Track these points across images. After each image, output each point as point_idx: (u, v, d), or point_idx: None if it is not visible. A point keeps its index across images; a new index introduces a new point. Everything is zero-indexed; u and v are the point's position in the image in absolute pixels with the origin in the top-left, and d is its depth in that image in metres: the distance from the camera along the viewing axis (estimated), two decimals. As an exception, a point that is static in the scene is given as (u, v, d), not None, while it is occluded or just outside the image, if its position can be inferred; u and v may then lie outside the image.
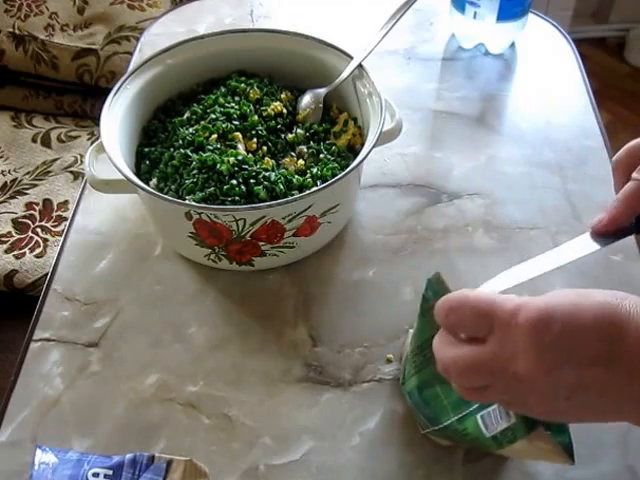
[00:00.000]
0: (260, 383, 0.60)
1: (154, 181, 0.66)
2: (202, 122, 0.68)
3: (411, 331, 0.62)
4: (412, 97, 0.88)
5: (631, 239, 0.68)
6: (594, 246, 0.47)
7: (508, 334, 0.37)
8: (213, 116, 0.69)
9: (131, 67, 0.74)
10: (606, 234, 0.47)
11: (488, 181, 0.78)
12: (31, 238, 1.10)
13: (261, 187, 0.62)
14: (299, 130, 0.71)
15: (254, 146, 0.68)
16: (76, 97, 1.35)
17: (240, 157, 0.64)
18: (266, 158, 0.67)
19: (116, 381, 0.61)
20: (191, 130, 0.68)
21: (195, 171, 0.64)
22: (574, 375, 0.36)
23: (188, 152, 0.65)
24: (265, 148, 0.68)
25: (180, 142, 0.67)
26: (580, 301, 0.37)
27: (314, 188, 0.62)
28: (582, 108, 0.87)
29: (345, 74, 0.71)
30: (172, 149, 0.67)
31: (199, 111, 0.70)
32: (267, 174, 0.63)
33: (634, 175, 0.47)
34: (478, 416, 0.47)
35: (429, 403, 0.51)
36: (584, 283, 0.68)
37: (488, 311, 0.38)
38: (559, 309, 0.37)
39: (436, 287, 0.48)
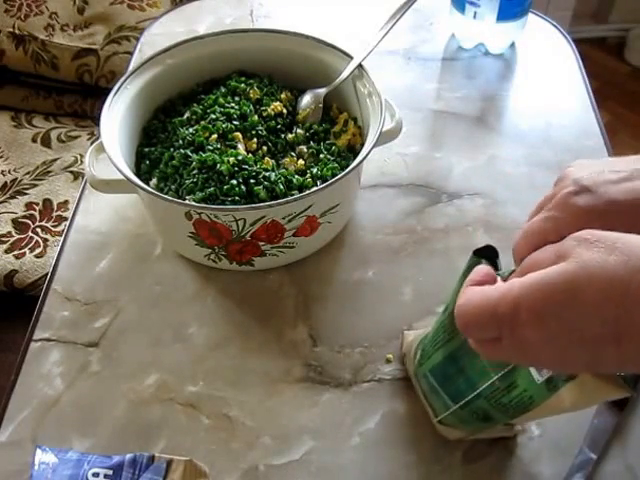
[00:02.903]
0: (260, 383, 0.61)
1: (154, 181, 0.67)
2: (202, 122, 0.68)
3: (408, 332, 0.62)
4: (412, 97, 0.88)
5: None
6: None
7: (512, 334, 0.37)
8: (213, 116, 0.69)
9: (131, 67, 0.74)
10: None
11: (488, 181, 0.78)
12: (31, 238, 1.10)
13: (261, 187, 0.62)
14: (299, 130, 0.71)
15: (254, 146, 0.68)
16: (76, 97, 1.35)
17: (240, 157, 0.64)
18: (266, 158, 0.67)
19: (116, 381, 0.61)
20: (191, 130, 0.68)
21: (195, 171, 0.64)
22: (587, 354, 0.35)
23: (188, 152, 0.65)
24: (265, 148, 0.68)
25: (180, 142, 0.67)
26: (581, 283, 0.34)
27: (314, 188, 0.62)
28: (582, 108, 0.87)
29: (345, 74, 0.71)
30: (172, 149, 0.67)
31: (199, 111, 0.70)
32: (267, 174, 0.64)
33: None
34: None
35: (462, 370, 0.50)
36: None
37: (490, 321, 0.38)
38: (553, 305, 0.35)
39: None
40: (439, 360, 0.52)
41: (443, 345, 0.51)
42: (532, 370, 0.45)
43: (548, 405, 0.45)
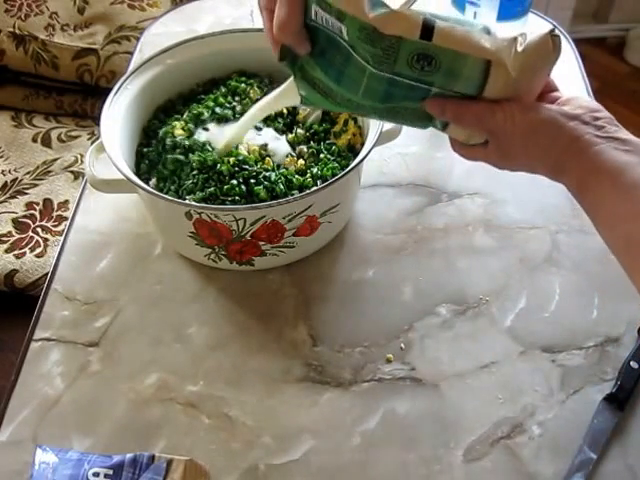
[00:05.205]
0: (260, 383, 0.61)
1: (153, 181, 0.67)
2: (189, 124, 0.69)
3: None
4: (412, 97, 0.88)
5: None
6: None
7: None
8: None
9: (131, 67, 0.74)
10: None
11: (488, 180, 0.78)
12: (31, 238, 1.10)
13: (261, 187, 0.62)
14: (299, 130, 0.71)
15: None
16: (76, 97, 1.35)
17: (240, 157, 0.64)
18: (266, 158, 0.67)
19: (116, 381, 0.61)
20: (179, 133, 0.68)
21: (195, 172, 0.64)
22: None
23: (178, 157, 0.65)
24: (265, 148, 0.68)
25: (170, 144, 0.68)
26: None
27: (314, 188, 0.62)
28: (582, 108, 0.87)
29: (345, 74, 0.71)
30: (164, 154, 0.68)
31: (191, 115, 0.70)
32: (267, 174, 0.64)
33: None
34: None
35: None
36: (583, 281, 0.68)
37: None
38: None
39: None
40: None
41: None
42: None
43: None
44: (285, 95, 0.59)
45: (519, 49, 0.45)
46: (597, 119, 0.46)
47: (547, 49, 0.46)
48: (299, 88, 0.53)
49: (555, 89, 0.51)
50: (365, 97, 0.49)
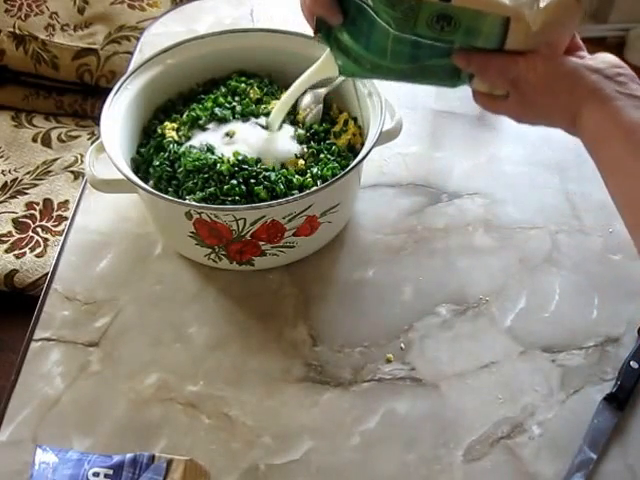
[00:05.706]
0: (260, 383, 0.61)
1: (152, 181, 0.67)
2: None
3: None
4: (412, 97, 0.88)
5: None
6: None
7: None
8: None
9: (131, 67, 0.74)
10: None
11: (488, 181, 0.78)
12: (31, 238, 1.10)
13: (261, 187, 0.62)
14: (299, 130, 0.71)
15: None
16: (76, 97, 1.35)
17: (240, 157, 0.64)
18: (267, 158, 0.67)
19: (116, 381, 0.61)
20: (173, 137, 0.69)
21: (192, 173, 0.64)
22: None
23: (164, 166, 0.66)
24: (265, 148, 0.68)
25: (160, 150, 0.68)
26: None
27: (314, 188, 0.62)
28: (582, 108, 0.87)
29: (345, 74, 0.71)
30: (154, 156, 0.68)
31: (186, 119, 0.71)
32: (267, 174, 0.64)
33: None
34: None
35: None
36: (583, 281, 0.68)
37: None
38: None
39: None
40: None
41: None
42: None
43: None
44: (323, 67, 0.61)
45: (541, 5, 0.46)
46: (619, 75, 0.46)
47: (570, 3, 0.47)
48: (336, 58, 0.56)
49: (582, 49, 0.51)
50: (393, 61, 0.52)
